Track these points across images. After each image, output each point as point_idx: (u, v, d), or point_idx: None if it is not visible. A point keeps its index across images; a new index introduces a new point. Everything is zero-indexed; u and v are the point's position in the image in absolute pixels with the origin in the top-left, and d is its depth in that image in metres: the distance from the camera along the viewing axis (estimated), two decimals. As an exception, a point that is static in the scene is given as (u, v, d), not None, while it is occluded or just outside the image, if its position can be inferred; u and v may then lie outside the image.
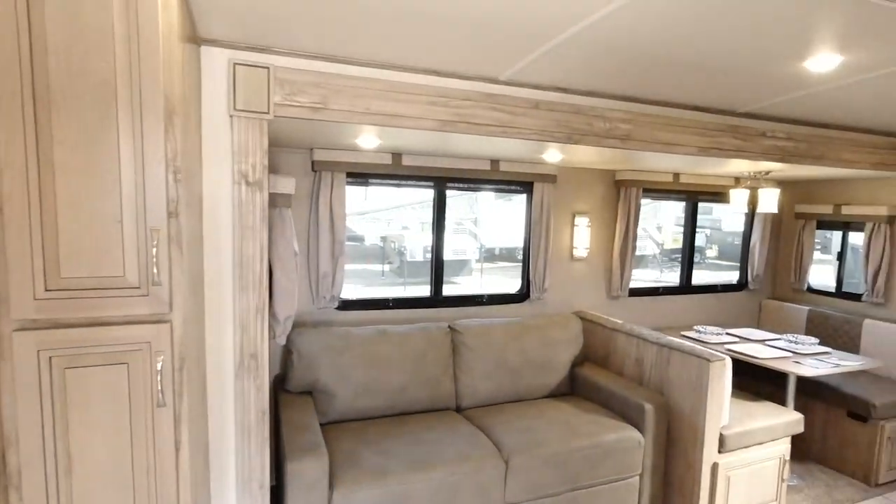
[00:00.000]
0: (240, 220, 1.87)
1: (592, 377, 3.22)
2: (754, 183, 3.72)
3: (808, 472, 3.44)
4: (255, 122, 1.85)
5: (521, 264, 3.72)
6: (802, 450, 3.57)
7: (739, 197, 3.72)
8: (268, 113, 1.85)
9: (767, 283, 4.59)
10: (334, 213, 2.90)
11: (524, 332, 3.29)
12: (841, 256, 4.28)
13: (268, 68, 1.84)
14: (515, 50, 1.95)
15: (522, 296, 3.67)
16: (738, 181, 4.10)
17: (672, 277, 4.26)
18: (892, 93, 2.44)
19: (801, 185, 4.34)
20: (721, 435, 2.73)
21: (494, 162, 3.34)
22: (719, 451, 2.74)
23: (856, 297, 4.03)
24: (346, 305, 3.18)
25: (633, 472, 2.80)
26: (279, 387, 2.85)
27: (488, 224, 9.16)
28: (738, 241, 4.70)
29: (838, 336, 3.93)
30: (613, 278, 3.87)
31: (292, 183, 2.15)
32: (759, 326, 4.48)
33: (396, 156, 3.04)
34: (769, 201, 3.62)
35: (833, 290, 4.29)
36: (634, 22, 1.69)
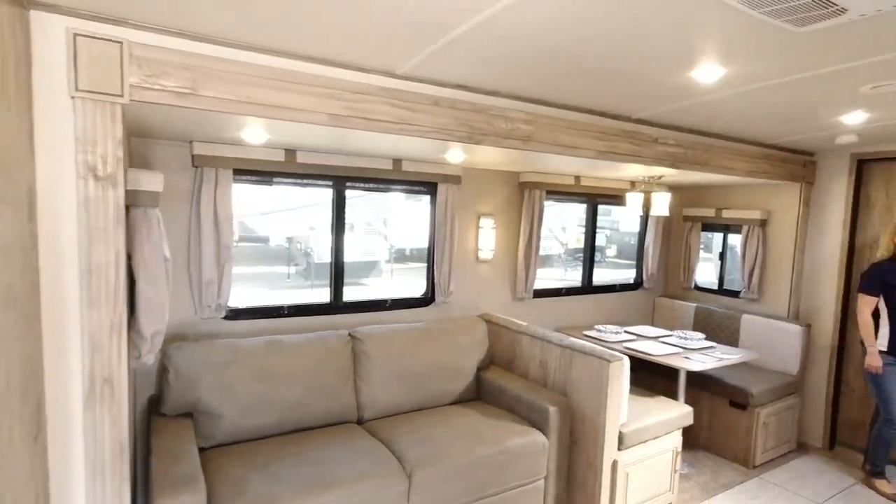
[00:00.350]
0: (88, 222, 1.57)
1: (498, 381, 3.19)
2: (648, 187, 3.89)
3: (696, 459, 3.65)
4: (104, 106, 1.57)
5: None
6: (691, 439, 3.78)
7: (634, 200, 3.88)
8: (121, 96, 1.58)
9: (660, 282, 4.85)
10: (219, 215, 2.61)
11: (429, 337, 3.19)
12: (722, 256, 4.62)
13: (121, 43, 1.57)
14: (413, 42, 1.83)
15: (427, 299, 3.57)
16: (633, 185, 4.28)
17: (576, 276, 4.43)
18: (764, 106, 2.62)
19: (689, 190, 4.63)
20: (620, 433, 2.79)
21: (397, 161, 3.21)
22: (619, 449, 2.80)
23: (735, 294, 4.36)
24: (236, 315, 2.90)
25: (538, 475, 2.78)
26: (154, 411, 2.51)
27: (399, 224, 9.01)
28: (635, 242, 4.93)
29: (721, 330, 4.22)
30: (518, 280, 3.89)
31: (159, 179, 1.87)
32: (653, 323, 4.73)
33: (290, 152, 2.81)
34: (661, 204, 3.80)
35: (716, 288, 4.62)
36: (532, 19, 1.63)
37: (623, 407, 2.81)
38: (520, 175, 3.86)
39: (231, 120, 2.05)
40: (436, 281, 3.50)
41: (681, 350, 3.52)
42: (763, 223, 4.13)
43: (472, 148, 2.64)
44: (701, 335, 3.77)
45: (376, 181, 3.24)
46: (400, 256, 9.05)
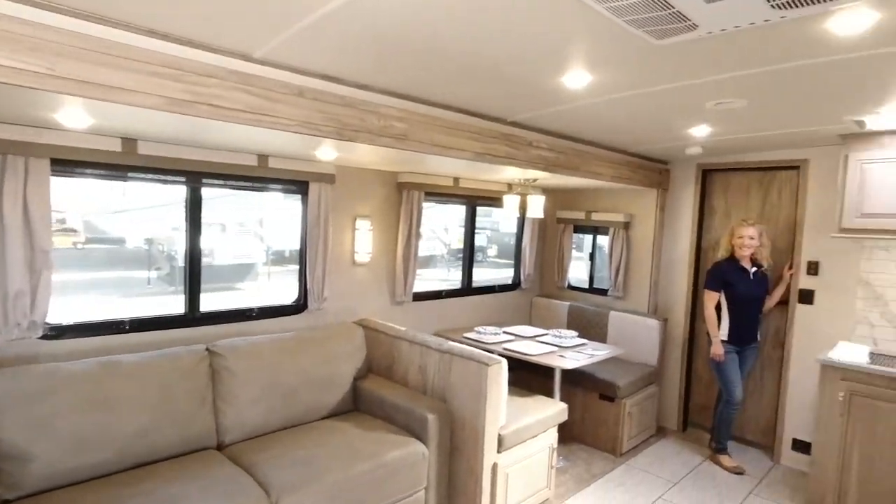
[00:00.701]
0: None
1: (376, 390, 3.04)
2: (524, 189, 3.98)
3: (571, 452, 3.79)
4: None
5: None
6: (566, 433, 3.93)
7: (511, 202, 3.94)
8: None
9: (537, 282, 5.02)
10: (31, 213, 2.16)
11: (300, 347, 2.95)
12: (592, 257, 4.89)
13: None
14: (272, 21, 1.62)
15: (300, 306, 3.32)
16: (510, 187, 4.37)
17: (458, 276, 4.45)
18: (626, 116, 2.76)
19: (562, 193, 4.84)
20: (500, 435, 2.78)
21: (262, 157, 2.92)
22: (498, 451, 2.79)
23: (604, 292, 4.64)
24: (59, 333, 2.43)
25: (419, 486, 2.68)
26: (-61, 458, 2.00)
27: (275, 225, 8.47)
28: (514, 242, 5.05)
29: (592, 327, 4.46)
30: (397, 283, 3.77)
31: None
32: (531, 323, 4.87)
33: (129, 141, 2.42)
34: (536, 207, 3.90)
35: (587, 287, 4.88)
36: (397, 6, 1.50)
37: (502, 409, 2.81)
38: (398, 175, 3.74)
39: (41, 98, 1.68)
40: (308, 287, 3.26)
41: (556, 349, 3.63)
42: (626, 226, 4.43)
43: (345, 145, 2.46)
44: (574, 333, 3.94)
45: (238, 178, 2.93)
46: (279, 258, 8.50)
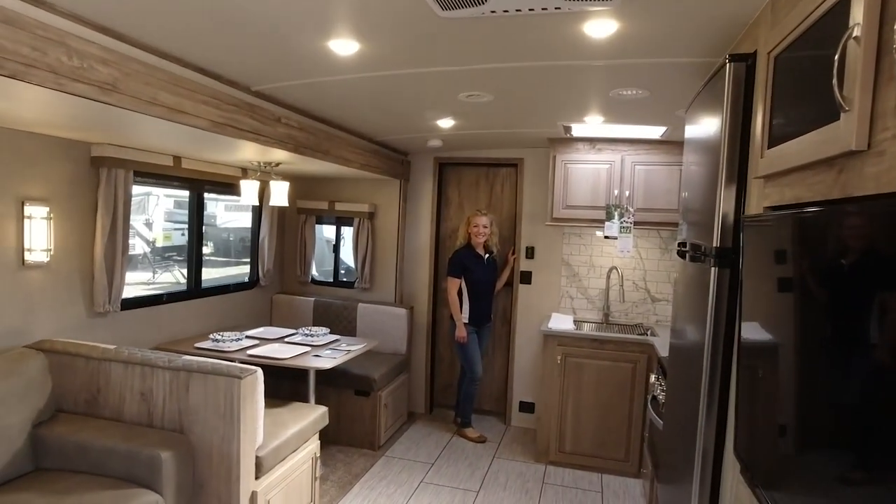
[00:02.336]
0: None
1: (73, 436, 2.22)
2: (264, 175, 3.52)
3: (329, 456, 3.54)
4: None
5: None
6: (322, 437, 3.65)
7: (249, 188, 3.44)
8: None
9: (277, 279, 4.57)
10: None
11: (-69, 396, 1.93)
12: (336, 249, 4.70)
13: None
14: None
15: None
16: (245, 172, 3.83)
17: (168, 279, 3.65)
18: (385, 97, 2.65)
19: (302, 181, 4.49)
20: (257, 458, 2.35)
21: None
22: (256, 478, 2.35)
23: (350, 285, 4.50)
24: None
25: (149, 550, 2.04)
26: None
27: None
28: (233, 237, 4.49)
29: (339, 321, 4.27)
30: (98, 289, 2.86)
31: None
32: (272, 323, 4.40)
33: None
34: (280, 194, 3.50)
35: (332, 280, 4.67)
36: None
37: (259, 428, 2.38)
38: (92, 147, 2.84)
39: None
40: (-57, 302, 2.17)
41: (308, 348, 3.32)
42: (371, 216, 4.38)
43: None
44: (325, 329, 3.68)
45: None
46: None
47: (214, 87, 2.26)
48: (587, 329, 3.74)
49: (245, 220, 4.58)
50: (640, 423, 3.39)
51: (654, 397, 2.73)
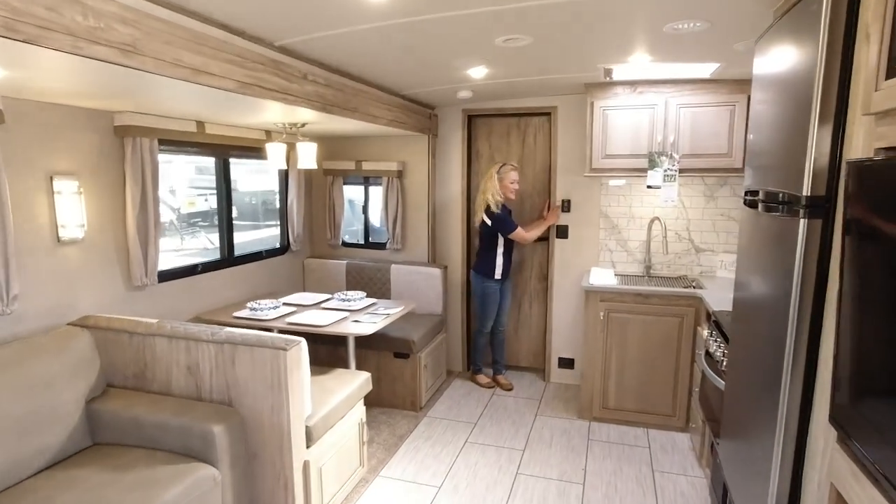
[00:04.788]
0: None
1: (127, 411, 2.22)
2: (290, 137, 3.39)
3: (373, 418, 3.55)
4: None
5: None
6: (365, 400, 3.67)
7: (276, 151, 3.32)
8: None
9: (307, 243, 4.51)
10: None
11: (-16, 379, 1.93)
12: (365, 210, 4.60)
13: None
14: None
15: (-29, 316, 2.18)
16: (269, 135, 3.70)
17: (194, 246, 3.63)
18: (413, 48, 2.47)
19: (327, 142, 4.35)
20: (307, 428, 2.33)
21: None
22: (307, 447, 2.34)
23: (382, 246, 4.42)
24: None
25: (209, 520, 2.06)
26: None
27: None
28: (254, 200, 4.42)
29: (373, 284, 4.22)
30: (133, 263, 2.83)
31: None
32: (305, 288, 4.38)
33: None
34: (308, 156, 3.38)
35: (363, 242, 4.59)
36: None
37: (306, 398, 2.35)
38: (115, 116, 2.73)
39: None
40: (-17, 284, 2.14)
41: (347, 314, 3.27)
42: (400, 174, 4.24)
43: (18, 53, 1.54)
44: (361, 293, 3.62)
45: None
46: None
47: (238, 45, 2.11)
48: (630, 283, 3.61)
49: (267, 183, 4.49)
50: (687, 377, 3.30)
51: (709, 352, 2.62)
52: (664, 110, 3.37)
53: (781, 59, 1.66)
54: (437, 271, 4.11)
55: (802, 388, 1.47)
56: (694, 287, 3.38)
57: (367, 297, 3.64)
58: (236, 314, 3.18)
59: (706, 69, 3.01)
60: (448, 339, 4.35)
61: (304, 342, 2.30)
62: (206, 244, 4.74)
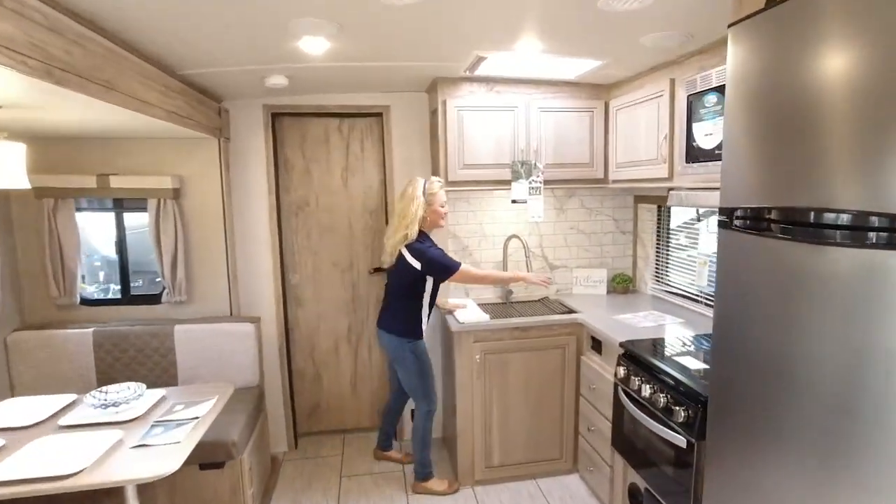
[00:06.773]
0: None
1: None
2: (-36, 132, 1.88)
3: None
4: None
5: None
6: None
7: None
8: None
9: (12, 307, 2.80)
10: None
11: None
12: (121, 249, 3.07)
13: None
14: None
15: None
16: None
17: None
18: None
19: (46, 143, 2.73)
20: None
21: None
22: None
23: (154, 300, 3.01)
24: None
25: None
26: None
27: None
28: None
29: (147, 361, 2.79)
30: None
31: None
32: (14, 390, 2.69)
33: None
34: (11, 165, 1.93)
35: (120, 297, 3.08)
36: None
37: None
38: None
39: None
40: None
41: (119, 432, 1.95)
42: (176, 194, 2.92)
43: None
44: (136, 386, 2.27)
45: None
46: None
47: None
48: (500, 315, 3.08)
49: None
50: (572, 414, 2.93)
51: (627, 391, 2.24)
52: (526, 113, 2.93)
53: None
54: (247, 327, 2.93)
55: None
56: (570, 312, 3.04)
57: (135, 390, 2.28)
58: None
59: (579, 67, 2.64)
60: (269, 416, 3.20)
61: None
62: None
